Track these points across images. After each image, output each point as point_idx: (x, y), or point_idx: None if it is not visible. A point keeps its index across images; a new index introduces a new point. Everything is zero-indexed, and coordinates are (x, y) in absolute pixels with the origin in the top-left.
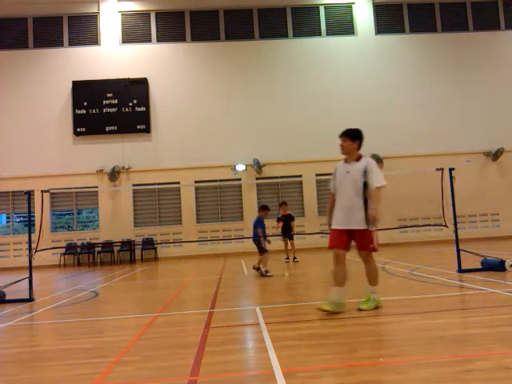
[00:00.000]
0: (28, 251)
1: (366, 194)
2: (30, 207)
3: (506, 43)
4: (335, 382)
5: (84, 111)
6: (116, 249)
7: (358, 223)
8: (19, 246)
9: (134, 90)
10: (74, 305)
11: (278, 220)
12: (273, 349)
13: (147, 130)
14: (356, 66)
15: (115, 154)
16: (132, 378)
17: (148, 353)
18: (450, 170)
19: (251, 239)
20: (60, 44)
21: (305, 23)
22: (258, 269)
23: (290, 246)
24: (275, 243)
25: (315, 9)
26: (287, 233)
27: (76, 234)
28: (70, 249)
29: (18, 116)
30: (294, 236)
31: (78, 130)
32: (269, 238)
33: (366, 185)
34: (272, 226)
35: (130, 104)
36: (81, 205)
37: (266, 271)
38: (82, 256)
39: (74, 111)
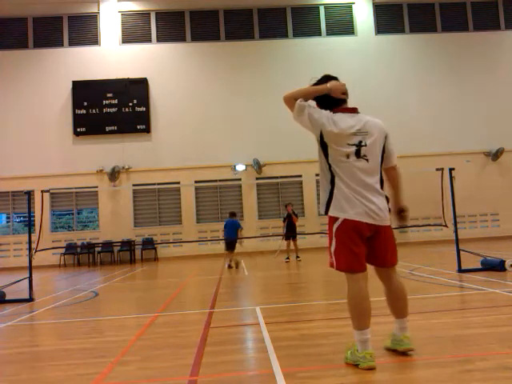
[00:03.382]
0: (28, 251)
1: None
2: (29, 207)
3: (506, 43)
4: (335, 382)
5: (84, 111)
6: (116, 249)
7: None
8: (19, 246)
9: (134, 90)
10: (73, 305)
11: (284, 220)
12: (273, 349)
13: (147, 130)
14: (356, 66)
15: (115, 154)
16: (132, 378)
17: (148, 353)
18: (450, 169)
19: (228, 239)
20: (60, 44)
21: (305, 23)
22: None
23: (292, 246)
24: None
25: (315, 9)
26: (291, 232)
27: (76, 234)
28: (70, 249)
29: (18, 116)
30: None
31: (78, 130)
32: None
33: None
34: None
35: (130, 104)
36: (81, 205)
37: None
38: (82, 256)
39: (73, 111)
